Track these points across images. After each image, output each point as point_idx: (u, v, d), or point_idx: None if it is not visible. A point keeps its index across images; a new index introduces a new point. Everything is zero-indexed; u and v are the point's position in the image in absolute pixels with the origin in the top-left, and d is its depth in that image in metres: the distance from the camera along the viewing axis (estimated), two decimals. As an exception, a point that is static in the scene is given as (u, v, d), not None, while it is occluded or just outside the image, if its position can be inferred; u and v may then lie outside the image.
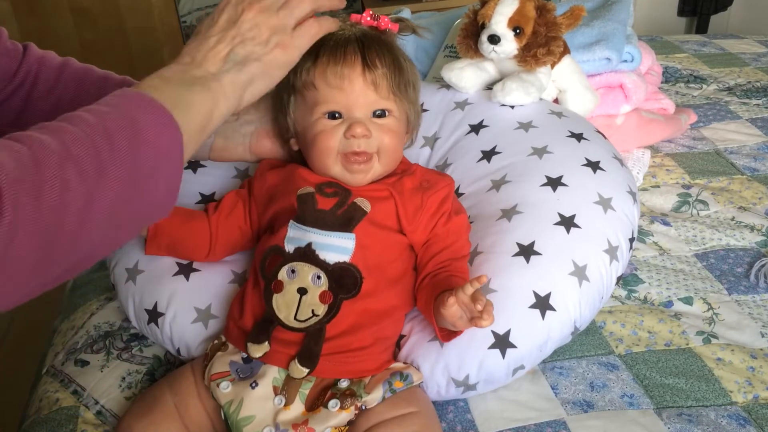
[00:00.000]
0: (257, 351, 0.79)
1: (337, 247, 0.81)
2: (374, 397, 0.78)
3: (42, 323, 1.66)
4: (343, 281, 0.79)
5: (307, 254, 0.80)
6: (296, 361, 0.78)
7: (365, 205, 0.82)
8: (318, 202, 0.83)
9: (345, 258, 0.80)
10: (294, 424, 0.76)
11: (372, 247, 0.82)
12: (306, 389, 0.78)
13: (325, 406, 0.76)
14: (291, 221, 0.82)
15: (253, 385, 0.78)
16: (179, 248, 0.93)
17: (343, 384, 0.79)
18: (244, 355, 0.81)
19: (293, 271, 0.80)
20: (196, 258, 0.94)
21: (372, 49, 0.85)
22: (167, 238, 0.91)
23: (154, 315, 0.92)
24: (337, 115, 0.85)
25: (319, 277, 0.79)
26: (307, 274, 0.79)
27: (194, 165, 1.05)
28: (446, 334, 0.81)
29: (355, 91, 0.84)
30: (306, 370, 0.78)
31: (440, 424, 0.82)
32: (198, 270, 0.94)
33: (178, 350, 0.92)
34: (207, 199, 1.01)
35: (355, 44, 0.84)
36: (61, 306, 1.17)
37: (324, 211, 0.82)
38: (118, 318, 1.04)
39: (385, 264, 0.83)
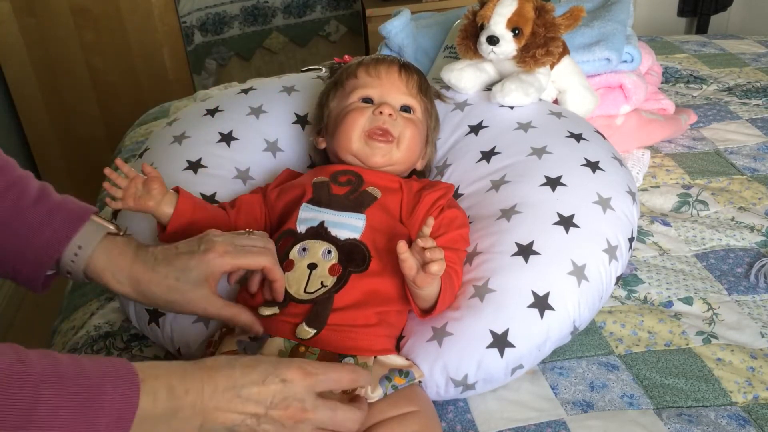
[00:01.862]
0: (268, 311, 0.81)
1: (348, 225, 0.87)
2: (376, 394, 0.78)
3: (42, 323, 1.66)
4: (353, 256, 0.84)
5: (318, 232, 0.86)
6: (303, 323, 0.80)
7: (376, 192, 0.91)
8: (332, 188, 0.92)
9: (355, 235, 0.86)
10: None
11: (381, 231, 0.87)
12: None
13: None
14: (303, 203, 0.90)
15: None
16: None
17: (348, 363, 0.79)
18: (252, 334, 0.81)
19: (304, 249, 0.85)
20: None
21: (407, 62, 1.03)
22: (189, 224, 0.88)
23: (154, 315, 0.92)
24: (370, 100, 0.98)
25: (329, 252, 0.85)
26: (318, 250, 0.85)
27: (195, 166, 1.05)
28: (424, 311, 0.85)
29: (390, 82, 0.99)
30: (313, 331, 0.79)
31: (440, 423, 0.82)
32: (198, 270, 0.93)
33: (178, 350, 0.92)
34: (208, 200, 1.01)
35: (394, 58, 1.04)
36: (61, 306, 1.17)
37: (337, 195, 0.91)
38: (118, 318, 1.04)
39: (393, 251, 0.85)
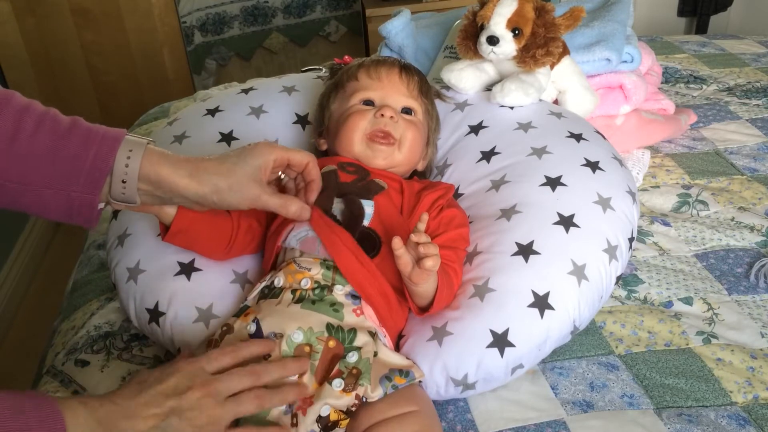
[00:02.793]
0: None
1: None
2: (376, 394, 0.78)
3: (42, 323, 1.66)
4: (363, 243, 0.85)
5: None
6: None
7: (382, 183, 0.93)
8: (340, 176, 0.93)
9: (364, 222, 0.87)
10: (303, 398, 0.76)
11: (388, 220, 0.88)
12: (315, 360, 0.78)
13: (330, 383, 0.77)
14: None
15: (266, 356, 0.78)
16: (200, 239, 0.90)
17: (352, 359, 0.79)
18: (252, 330, 0.81)
19: None
20: (213, 253, 0.93)
21: (407, 63, 1.04)
22: (191, 224, 0.88)
23: (155, 314, 0.92)
24: (371, 103, 0.98)
25: None
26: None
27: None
28: (421, 309, 0.86)
29: (391, 84, 0.99)
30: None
31: (440, 423, 0.82)
32: (199, 269, 0.94)
33: (178, 350, 0.92)
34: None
35: (395, 59, 1.05)
36: (61, 306, 1.17)
37: (345, 182, 0.92)
38: (118, 318, 1.04)
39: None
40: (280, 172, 0.88)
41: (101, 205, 0.77)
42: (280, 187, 0.90)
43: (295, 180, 0.90)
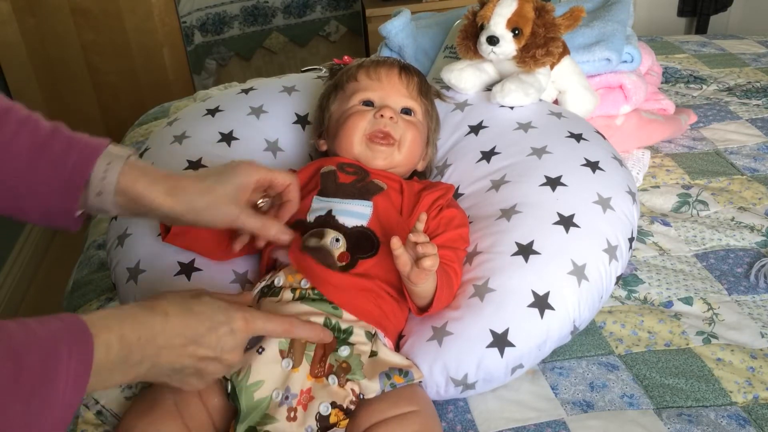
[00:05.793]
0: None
1: (355, 212, 0.88)
2: (373, 388, 0.78)
3: (42, 323, 1.66)
4: (360, 243, 0.86)
5: (326, 221, 0.88)
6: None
7: (382, 183, 0.93)
8: (339, 177, 0.93)
9: (362, 222, 0.87)
10: (301, 390, 0.77)
11: (387, 221, 0.88)
12: (311, 351, 0.79)
13: (327, 378, 0.78)
14: (315, 196, 0.91)
15: (260, 350, 0.78)
16: (200, 240, 0.91)
17: (343, 353, 0.79)
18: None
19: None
20: (213, 253, 0.93)
21: (407, 64, 1.04)
22: (192, 227, 0.87)
23: (154, 315, 0.92)
24: (371, 103, 0.98)
25: (337, 240, 0.86)
26: (326, 238, 0.85)
27: (195, 165, 1.05)
28: (421, 309, 0.86)
29: (391, 84, 0.99)
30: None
31: (440, 423, 0.82)
32: (199, 269, 0.94)
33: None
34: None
35: (394, 59, 1.05)
36: (61, 306, 1.17)
37: (344, 183, 0.92)
38: (118, 318, 1.03)
39: None
40: (259, 201, 0.88)
41: (79, 213, 0.76)
42: (258, 210, 0.89)
43: (273, 198, 0.89)
